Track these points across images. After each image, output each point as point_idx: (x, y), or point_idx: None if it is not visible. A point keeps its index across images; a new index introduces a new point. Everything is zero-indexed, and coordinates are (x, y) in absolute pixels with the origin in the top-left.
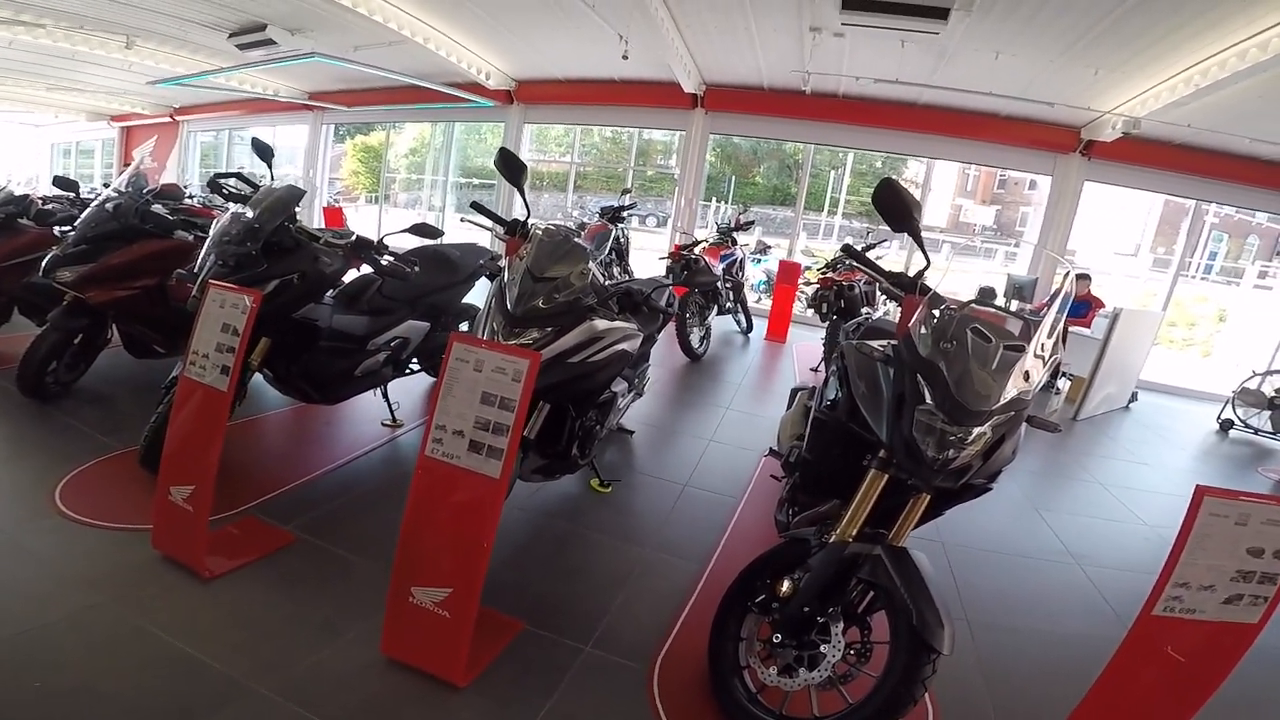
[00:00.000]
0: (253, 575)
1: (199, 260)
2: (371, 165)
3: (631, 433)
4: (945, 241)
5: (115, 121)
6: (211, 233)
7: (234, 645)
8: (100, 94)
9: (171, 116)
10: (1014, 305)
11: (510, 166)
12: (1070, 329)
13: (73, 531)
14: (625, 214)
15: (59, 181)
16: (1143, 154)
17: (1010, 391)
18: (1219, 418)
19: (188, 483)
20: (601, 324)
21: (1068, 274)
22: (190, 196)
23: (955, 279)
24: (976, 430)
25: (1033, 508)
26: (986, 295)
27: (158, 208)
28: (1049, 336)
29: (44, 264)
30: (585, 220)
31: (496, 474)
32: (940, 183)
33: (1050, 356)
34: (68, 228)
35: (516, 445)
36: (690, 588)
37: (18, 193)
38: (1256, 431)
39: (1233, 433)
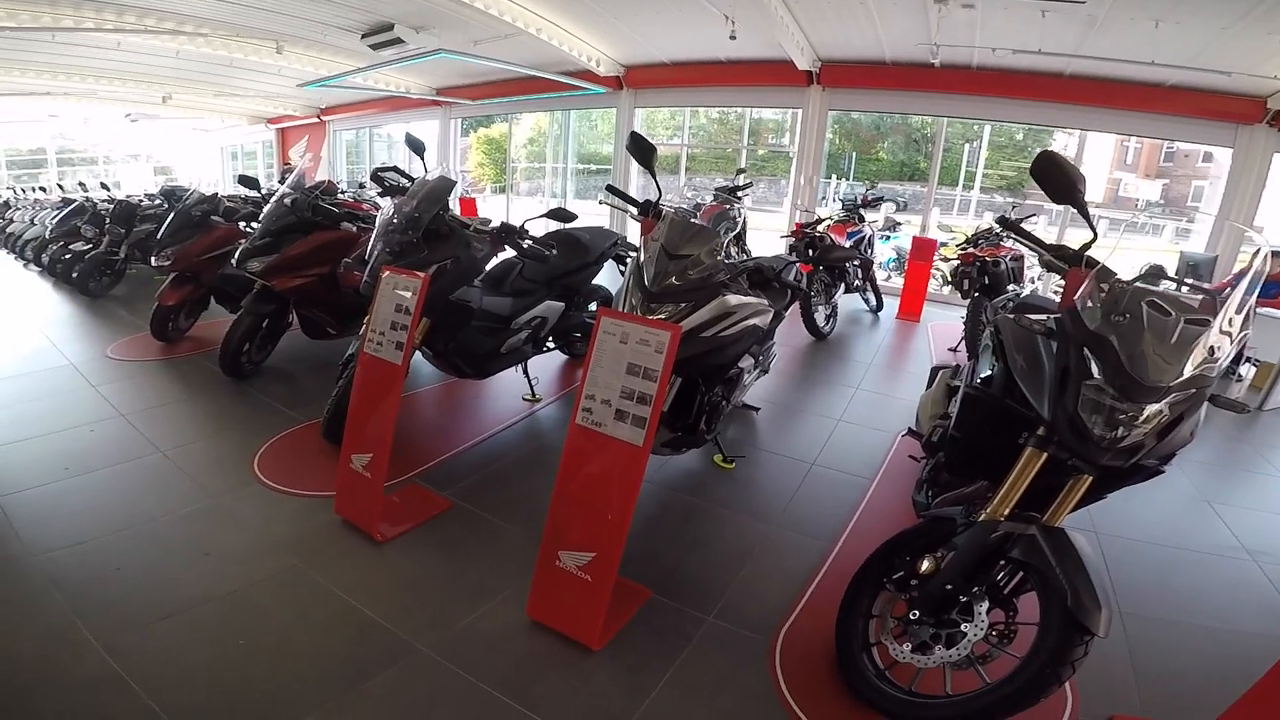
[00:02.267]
0: (416, 540)
1: (368, 248)
2: (495, 156)
3: (757, 409)
4: (1102, 218)
5: (271, 124)
6: (377, 223)
7: (402, 605)
8: (258, 98)
9: (319, 117)
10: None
11: (641, 149)
12: (1259, 310)
13: (269, 498)
14: (742, 194)
15: (244, 180)
16: None
17: (1191, 368)
18: None
19: (367, 451)
20: (734, 299)
21: (1258, 251)
22: (342, 192)
23: (1116, 258)
24: (1151, 408)
25: (1204, 500)
26: (1156, 274)
27: (323, 203)
28: (1238, 312)
29: (236, 255)
30: (700, 201)
31: (640, 441)
32: (1094, 155)
33: (1239, 333)
34: (249, 223)
35: (659, 413)
36: (817, 565)
37: (206, 193)
38: None
39: None
